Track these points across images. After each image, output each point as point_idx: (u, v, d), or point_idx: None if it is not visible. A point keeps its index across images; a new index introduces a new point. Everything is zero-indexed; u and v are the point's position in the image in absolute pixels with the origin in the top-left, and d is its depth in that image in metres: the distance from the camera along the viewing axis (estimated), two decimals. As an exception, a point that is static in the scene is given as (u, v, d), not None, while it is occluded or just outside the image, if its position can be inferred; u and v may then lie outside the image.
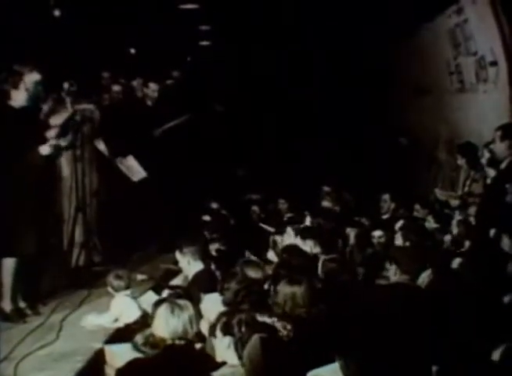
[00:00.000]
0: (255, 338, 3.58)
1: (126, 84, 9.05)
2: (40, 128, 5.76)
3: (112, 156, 7.72)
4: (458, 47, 9.37)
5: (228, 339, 3.78)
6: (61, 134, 6.20)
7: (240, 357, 3.68)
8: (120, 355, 4.39)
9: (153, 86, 8.64)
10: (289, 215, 9.23)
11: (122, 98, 8.64)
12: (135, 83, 9.04)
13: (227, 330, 3.81)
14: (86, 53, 9.48)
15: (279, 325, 3.91)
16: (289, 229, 6.84)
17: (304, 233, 6.41)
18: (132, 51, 13.22)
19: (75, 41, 9.55)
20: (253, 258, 5.60)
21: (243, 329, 3.78)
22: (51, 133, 5.86)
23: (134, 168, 8.01)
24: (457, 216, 6.95)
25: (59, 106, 7.15)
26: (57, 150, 5.94)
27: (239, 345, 3.71)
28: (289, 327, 3.91)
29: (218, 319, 3.97)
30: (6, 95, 5.59)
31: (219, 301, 4.81)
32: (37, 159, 5.69)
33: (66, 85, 7.66)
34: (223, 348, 3.79)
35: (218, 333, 3.85)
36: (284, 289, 4.37)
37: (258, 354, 3.50)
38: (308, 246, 6.21)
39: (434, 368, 3.63)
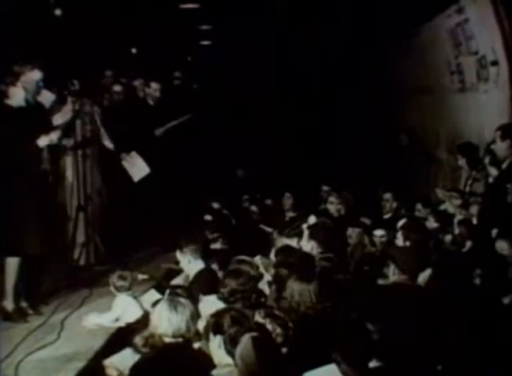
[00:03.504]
0: (247, 337, 3.58)
1: (127, 83, 9.07)
2: (41, 127, 5.75)
3: (117, 151, 7.70)
4: (459, 46, 9.35)
5: (218, 338, 3.78)
6: (63, 134, 6.23)
7: (231, 355, 3.69)
8: (121, 359, 4.39)
9: (154, 86, 8.64)
10: (291, 214, 9.24)
11: (124, 98, 8.66)
12: (136, 83, 9.05)
13: (217, 330, 3.82)
14: (87, 53, 9.49)
15: (270, 327, 3.91)
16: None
17: (313, 231, 6.40)
18: (133, 51, 13.23)
19: (76, 40, 9.56)
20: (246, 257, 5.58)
21: (232, 326, 3.78)
22: (52, 135, 5.86)
23: (137, 165, 7.99)
24: (458, 216, 6.94)
25: (61, 106, 7.19)
26: (60, 150, 5.99)
27: (228, 342, 3.72)
28: (279, 330, 3.92)
29: (209, 320, 3.98)
30: (4, 95, 5.60)
31: (218, 301, 4.82)
32: (38, 158, 5.71)
33: (67, 85, 7.71)
34: (215, 348, 3.80)
35: (210, 333, 3.86)
36: (293, 285, 4.42)
37: (250, 353, 3.50)
38: (310, 246, 6.21)
39: (438, 368, 3.64)
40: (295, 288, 4.40)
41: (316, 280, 4.45)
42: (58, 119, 6.95)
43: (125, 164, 7.93)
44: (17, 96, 5.62)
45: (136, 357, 4.21)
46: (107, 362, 4.57)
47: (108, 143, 7.55)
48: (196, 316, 4.26)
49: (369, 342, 3.50)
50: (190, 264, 5.73)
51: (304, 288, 4.38)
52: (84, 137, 7.14)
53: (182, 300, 4.23)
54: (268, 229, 8.43)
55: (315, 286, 4.40)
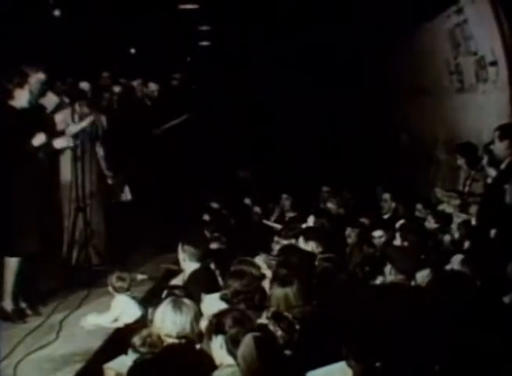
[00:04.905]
0: (249, 337, 3.58)
1: (126, 84, 9.08)
2: (41, 129, 5.74)
3: (108, 171, 7.65)
4: (458, 47, 9.36)
5: (220, 339, 3.78)
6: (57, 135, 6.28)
7: (232, 354, 3.68)
8: (120, 363, 4.39)
9: (152, 86, 8.65)
10: (291, 214, 9.23)
11: (122, 98, 8.66)
12: (134, 83, 9.06)
13: (219, 330, 3.81)
14: (86, 53, 9.49)
15: (272, 328, 3.91)
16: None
17: (307, 234, 6.40)
18: (132, 51, 13.24)
19: (75, 41, 9.56)
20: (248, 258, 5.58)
21: (233, 326, 3.78)
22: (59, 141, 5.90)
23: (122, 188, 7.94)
24: (457, 216, 6.95)
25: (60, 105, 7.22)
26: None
27: (229, 342, 3.72)
28: (281, 332, 3.91)
29: (211, 320, 3.97)
30: (9, 95, 5.59)
31: (220, 300, 4.82)
32: (37, 158, 5.71)
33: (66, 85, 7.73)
34: (217, 348, 3.79)
35: (212, 334, 3.86)
36: (276, 291, 4.39)
37: (252, 353, 3.50)
38: (310, 246, 6.21)
39: (435, 368, 3.64)
40: (279, 294, 4.36)
41: (297, 281, 4.42)
42: (57, 119, 7.00)
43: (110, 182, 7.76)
44: (22, 98, 5.61)
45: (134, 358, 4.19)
46: (106, 366, 4.56)
47: (100, 151, 7.51)
48: (199, 316, 4.25)
49: (378, 341, 3.51)
50: (185, 262, 5.75)
51: (287, 292, 4.35)
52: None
53: (186, 300, 4.21)
54: (276, 226, 8.41)
55: (296, 287, 4.36)
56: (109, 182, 7.63)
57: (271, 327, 3.90)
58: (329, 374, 3.63)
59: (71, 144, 6.48)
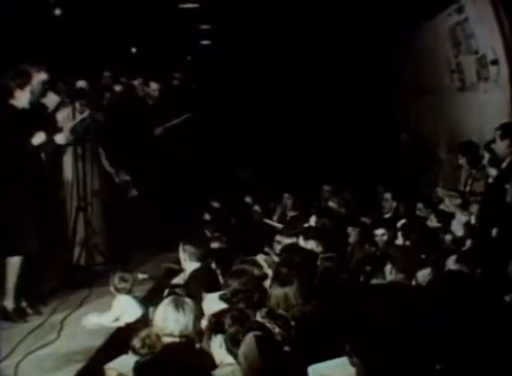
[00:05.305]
0: (250, 336, 3.59)
1: (127, 83, 9.08)
2: (41, 128, 5.74)
3: (111, 168, 7.65)
4: (459, 46, 9.36)
5: (219, 338, 3.78)
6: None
7: (232, 353, 3.69)
8: (121, 363, 4.39)
9: (153, 85, 8.65)
10: (292, 213, 9.23)
11: (123, 97, 8.66)
12: (135, 82, 9.06)
13: (218, 329, 3.82)
14: (87, 53, 9.50)
15: (269, 326, 3.92)
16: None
17: (307, 233, 6.40)
18: (133, 50, 13.25)
19: (76, 40, 9.57)
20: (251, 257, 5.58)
21: (232, 325, 3.79)
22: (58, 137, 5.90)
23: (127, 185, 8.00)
24: (458, 215, 6.94)
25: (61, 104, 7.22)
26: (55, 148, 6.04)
27: (229, 341, 3.72)
28: (278, 329, 3.92)
29: (210, 320, 3.97)
30: (10, 94, 5.58)
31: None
32: (38, 157, 5.71)
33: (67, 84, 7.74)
34: (216, 347, 3.80)
35: (212, 333, 3.86)
36: (276, 291, 4.40)
37: (254, 352, 3.51)
38: (310, 246, 6.21)
39: (436, 367, 3.64)
40: (279, 294, 4.38)
41: (296, 280, 4.42)
42: (59, 118, 7.00)
43: (116, 180, 7.82)
44: (23, 99, 5.59)
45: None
46: (107, 367, 4.56)
47: (104, 160, 7.53)
48: (200, 315, 4.25)
49: (379, 340, 3.52)
50: (186, 261, 5.76)
51: (287, 292, 4.36)
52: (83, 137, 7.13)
53: (187, 299, 4.22)
54: (277, 225, 8.40)
55: (296, 287, 4.37)
56: (116, 180, 7.65)
57: (268, 325, 3.92)
58: (331, 368, 3.64)
59: (71, 138, 6.48)
